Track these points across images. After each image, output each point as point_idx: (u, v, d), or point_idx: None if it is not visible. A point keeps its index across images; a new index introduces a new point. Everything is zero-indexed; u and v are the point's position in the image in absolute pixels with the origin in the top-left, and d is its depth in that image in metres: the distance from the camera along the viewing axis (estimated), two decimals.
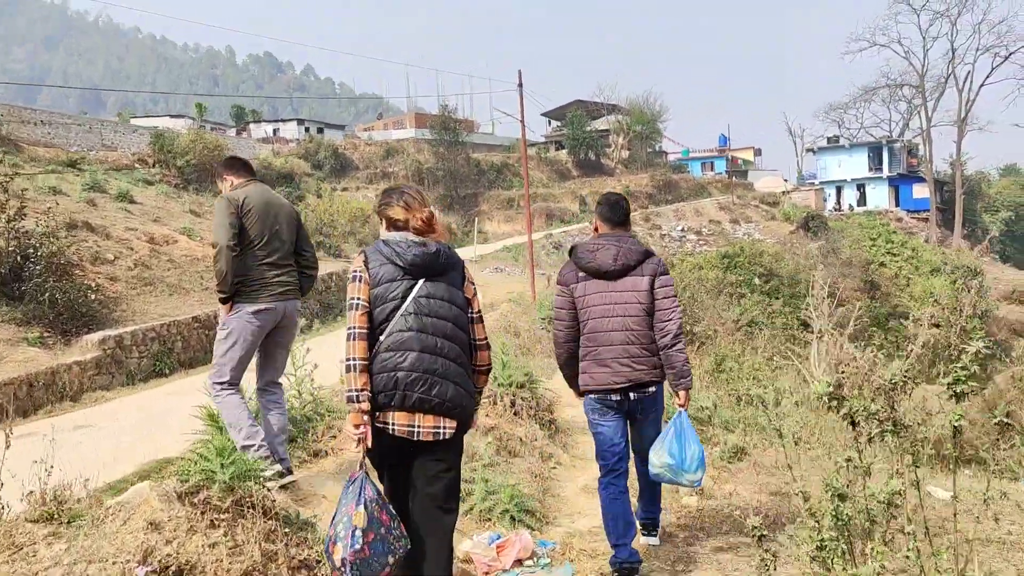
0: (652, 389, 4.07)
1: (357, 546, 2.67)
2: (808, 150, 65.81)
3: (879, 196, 57.95)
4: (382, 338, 2.94)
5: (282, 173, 38.62)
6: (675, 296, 4.09)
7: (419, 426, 2.89)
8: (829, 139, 63.18)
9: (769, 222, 50.44)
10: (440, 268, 3.06)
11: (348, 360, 2.87)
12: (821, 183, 60.65)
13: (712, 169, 67.66)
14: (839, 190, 60.00)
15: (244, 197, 4.41)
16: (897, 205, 56.95)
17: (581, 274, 4.11)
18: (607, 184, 53.18)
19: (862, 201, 57.98)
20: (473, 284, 3.27)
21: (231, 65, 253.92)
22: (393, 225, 3.18)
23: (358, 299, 2.96)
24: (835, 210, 56.50)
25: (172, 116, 54.57)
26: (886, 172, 58.34)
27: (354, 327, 2.91)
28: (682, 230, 47.65)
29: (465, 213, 45.87)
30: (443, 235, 3.20)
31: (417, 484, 2.98)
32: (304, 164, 44.79)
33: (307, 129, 57.39)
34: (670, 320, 3.97)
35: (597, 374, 4.02)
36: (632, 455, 4.25)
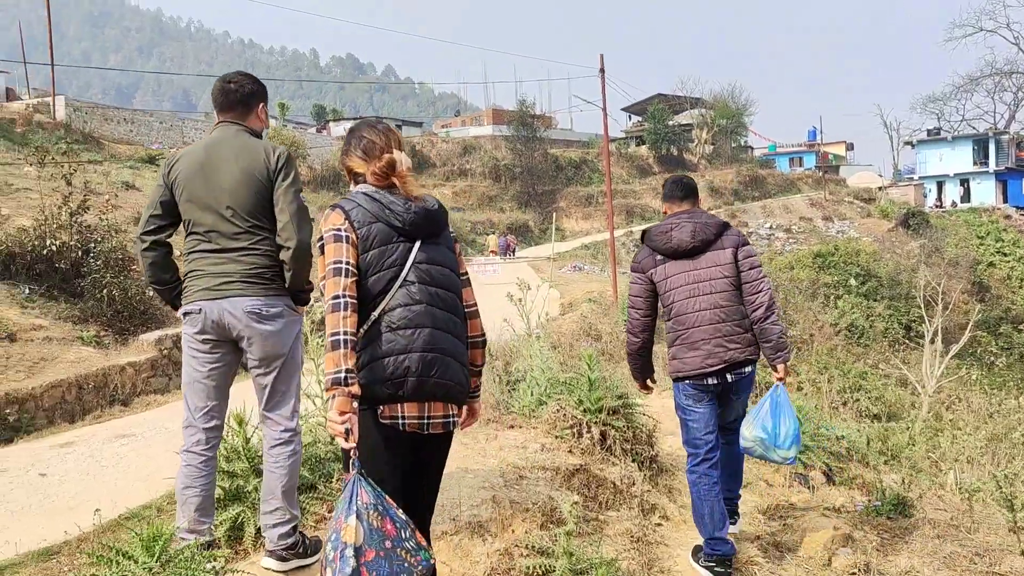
0: (748, 369, 3.86)
1: (348, 570, 2.07)
2: (906, 143, 62.15)
3: (985, 192, 54.07)
4: (376, 313, 2.44)
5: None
6: (761, 266, 3.88)
7: (429, 417, 2.46)
8: (929, 131, 59.42)
9: (865, 219, 47.91)
10: (439, 227, 2.60)
11: (335, 335, 2.31)
12: (920, 178, 57.15)
13: (801, 164, 65.04)
14: (940, 185, 56.35)
15: (176, 160, 3.27)
16: (1005, 201, 53.00)
17: (659, 257, 3.88)
18: None
19: (966, 197, 54.23)
20: (457, 242, 2.79)
21: (314, 67, 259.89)
22: (354, 179, 2.65)
23: (347, 263, 2.40)
24: (936, 206, 53.08)
25: None
26: (992, 166, 54.38)
27: (343, 295, 2.36)
28: (770, 228, 45.63)
29: (542, 210, 44.86)
30: (413, 187, 2.59)
31: (421, 480, 2.62)
32: None
33: None
34: (760, 291, 3.79)
35: (689, 358, 3.78)
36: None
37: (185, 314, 3.19)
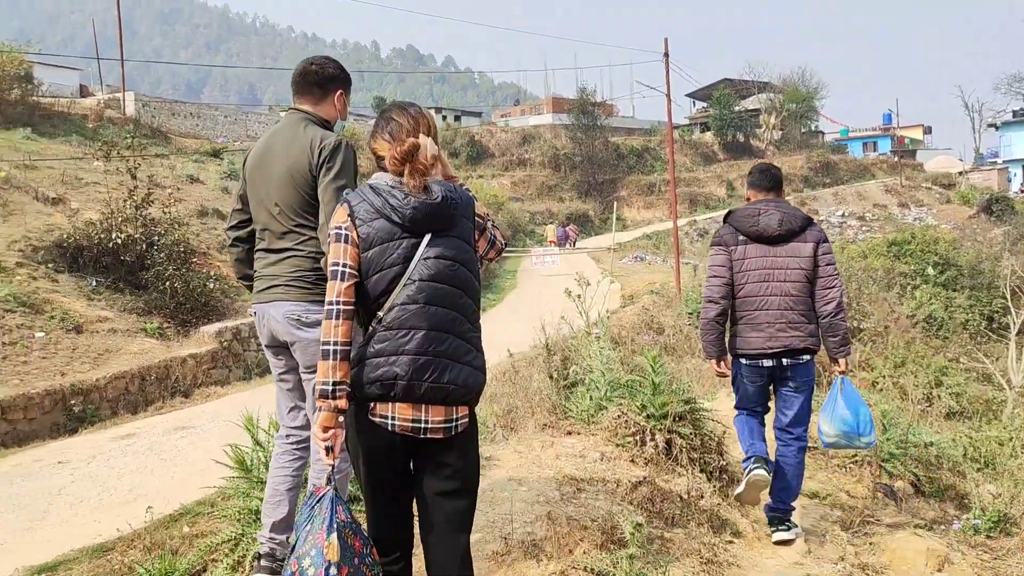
0: (806, 358, 3.96)
1: None
2: (990, 125, 59.32)
3: None
4: (381, 314, 2.32)
5: None
6: (836, 264, 4.03)
7: (428, 421, 2.29)
8: (1015, 112, 56.51)
9: (944, 206, 46.00)
10: (448, 220, 2.37)
11: (325, 344, 2.28)
12: (1005, 162, 54.52)
13: (875, 149, 62.86)
14: None
15: (249, 151, 3.15)
16: None
17: (740, 237, 4.04)
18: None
19: None
20: (486, 219, 2.59)
21: (375, 59, 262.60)
22: (379, 163, 2.47)
23: (344, 265, 2.30)
24: (1021, 191, 50.51)
25: None
26: None
27: (335, 302, 2.29)
28: (842, 215, 44.19)
29: (603, 199, 44.24)
30: (440, 170, 2.43)
31: (428, 499, 2.37)
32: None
33: (444, 117, 57.57)
34: (833, 287, 3.96)
35: (751, 338, 3.94)
36: (770, 431, 4.09)
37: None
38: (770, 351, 3.89)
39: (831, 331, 3.94)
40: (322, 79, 3.03)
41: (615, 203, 39.84)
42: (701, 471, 4.06)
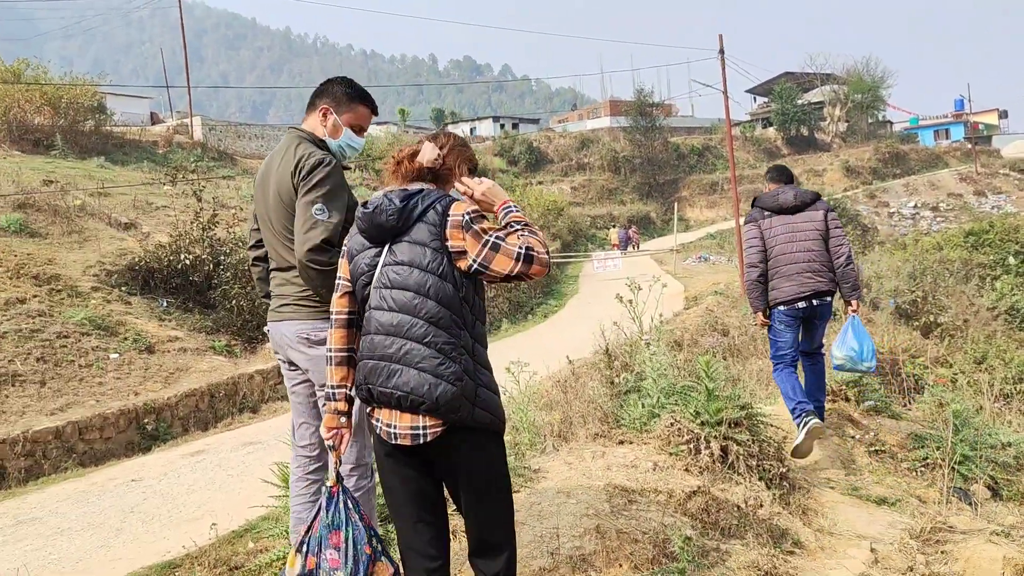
0: (828, 299, 5.03)
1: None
2: None
3: None
4: (366, 318, 2.49)
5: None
6: (843, 228, 5.14)
7: (396, 426, 2.33)
8: None
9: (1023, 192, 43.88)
10: (395, 226, 2.40)
11: (328, 350, 2.53)
12: None
13: (947, 137, 60.60)
14: None
15: (258, 171, 3.17)
16: None
17: (766, 213, 5.14)
18: (822, 161, 49.03)
19: None
20: (467, 218, 2.37)
21: (433, 72, 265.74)
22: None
23: (341, 278, 2.54)
24: None
25: (377, 124, 56.92)
26: None
27: (334, 311, 2.53)
28: (914, 206, 42.74)
29: (664, 200, 43.77)
30: (456, 182, 2.54)
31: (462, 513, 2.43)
32: (499, 161, 44.71)
33: (502, 126, 57.77)
34: (842, 244, 5.07)
35: (786, 287, 4.97)
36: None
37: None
38: (803, 295, 4.92)
39: (844, 278, 5.01)
40: (315, 93, 3.02)
41: (676, 204, 39.37)
42: (759, 479, 3.92)
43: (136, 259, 13.16)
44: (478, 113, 75.03)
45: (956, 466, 4.69)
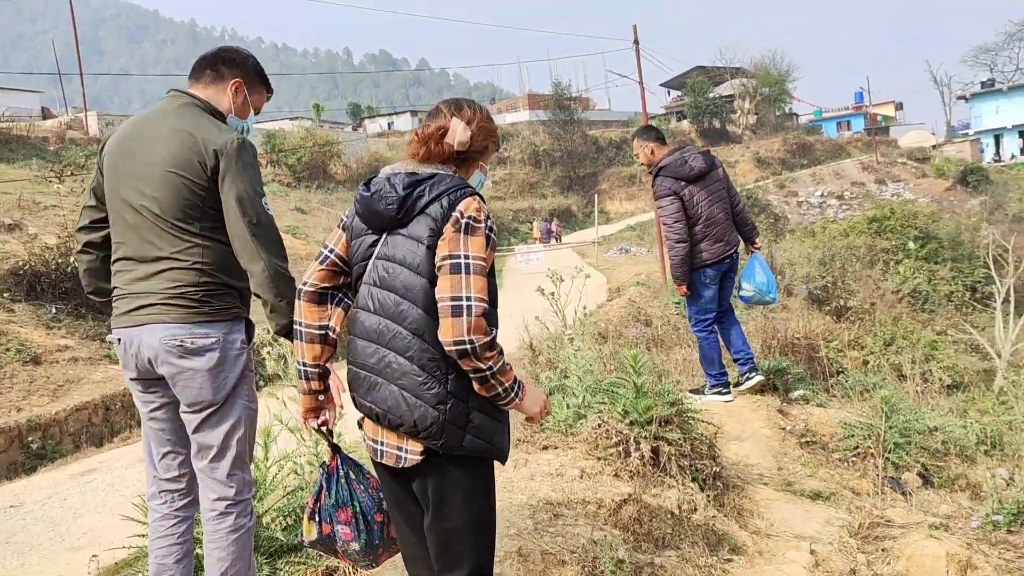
0: (739, 249, 5.41)
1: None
2: (959, 98, 59.45)
3: None
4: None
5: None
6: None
7: (383, 442, 2.06)
8: (983, 84, 56.64)
9: (920, 180, 46.11)
10: (394, 217, 2.05)
11: (295, 325, 2.18)
12: (976, 133, 54.68)
13: (849, 128, 63.08)
14: (998, 139, 53.84)
15: (109, 136, 2.55)
16: None
17: (682, 183, 5.15)
18: (734, 152, 50.09)
19: None
20: (464, 218, 2.01)
21: (348, 65, 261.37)
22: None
23: (327, 248, 2.18)
24: (994, 161, 50.76)
25: (291, 119, 55.27)
26: None
27: (304, 282, 2.17)
28: (821, 195, 44.19)
29: (585, 193, 43.98)
30: (440, 148, 2.11)
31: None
32: None
33: (420, 120, 56.79)
34: (737, 194, 5.49)
35: (715, 248, 5.20)
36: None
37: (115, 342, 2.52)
38: (728, 253, 5.21)
39: (744, 222, 5.45)
40: (218, 60, 2.53)
41: (597, 196, 39.55)
42: (692, 479, 3.66)
43: (20, 263, 12.14)
44: (396, 107, 73.91)
45: (887, 455, 4.56)
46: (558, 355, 4.76)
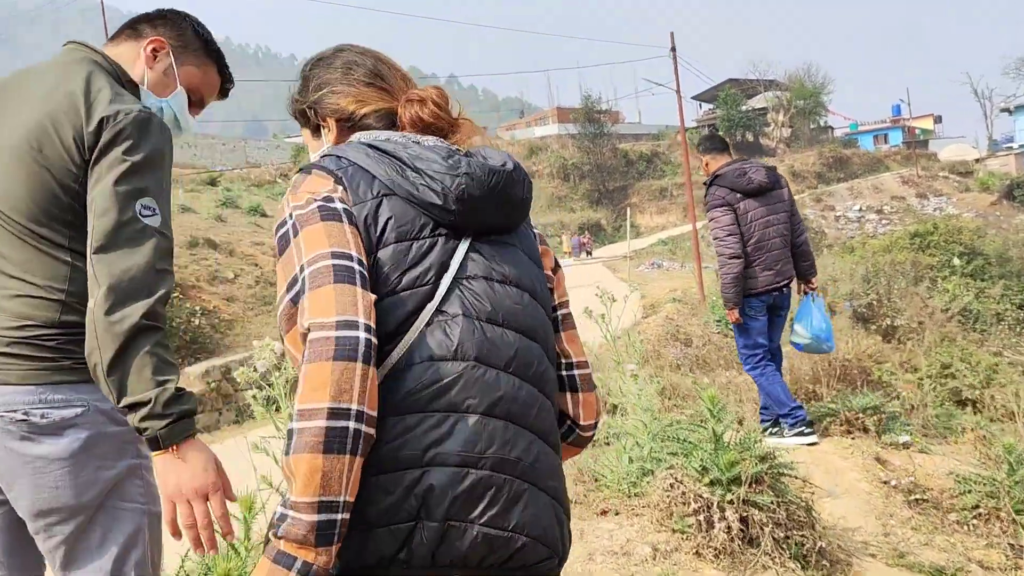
0: (791, 284, 4.85)
1: None
2: (1003, 110, 57.87)
3: None
4: (392, 373, 1.18)
5: None
6: None
7: None
8: None
9: (963, 194, 44.85)
10: (516, 213, 1.34)
11: (311, 421, 1.05)
12: (1021, 146, 53.03)
13: (886, 142, 61.95)
14: None
15: None
16: None
17: (738, 195, 4.64)
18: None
19: None
20: (545, 243, 1.49)
21: None
22: (348, 120, 1.40)
23: (354, 259, 1.16)
24: None
25: None
26: None
27: (360, 323, 1.10)
28: (860, 209, 43.06)
29: (614, 207, 43.39)
30: (474, 132, 1.40)
31: None
32: None
33: None
34: (800, 222, 4.90)
35: (764, 276, 4.64)
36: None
37: None
38: (778, 284, 4.64)
39: (804, 256, 4.84)
40: (142, 18, 1.79)
41: (628, 210, 38.82)
42: (791, 557, 2.89)
43: None
44: None
45: (1016, 517, 3.74)
46: (609, 389, 4.02)
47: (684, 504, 2.85)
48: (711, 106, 60.04)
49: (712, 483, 2.97)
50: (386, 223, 1.22)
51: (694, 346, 12.51)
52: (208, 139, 33.74)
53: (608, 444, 3.46)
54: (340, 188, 1.24)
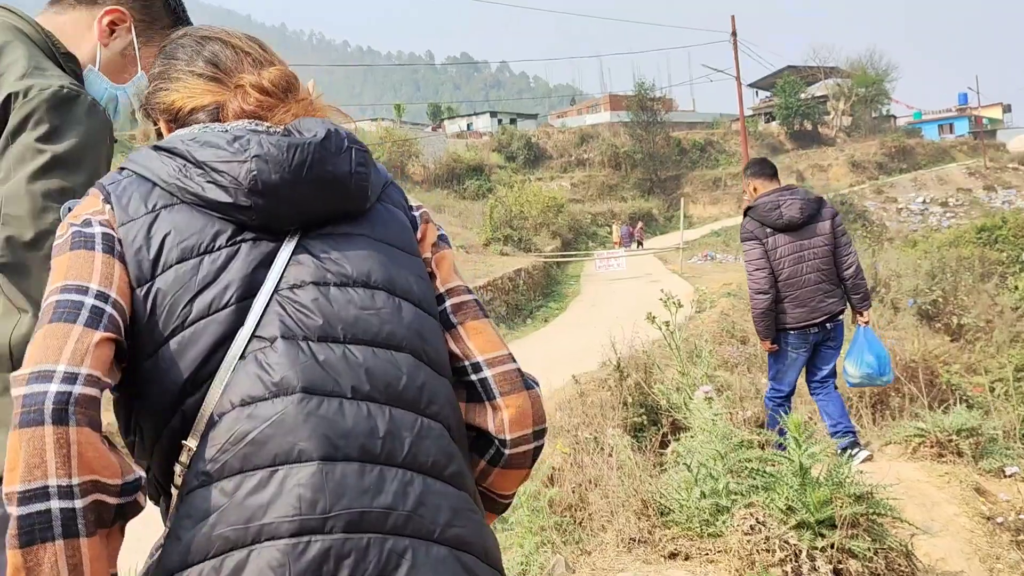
0: (841, 318, 4.64)
1: None
2: None
3: None
4: (192, 443, 0.93)
5: (471, 166, 37.15)
6: (847, 232, 4.78)
7: None
8: None
9: None
10: (342, 192, 1.04)
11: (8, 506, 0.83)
12: None
13: (951, 132, 59.79)
14: None
15: None
16: None
17: (768, 230, 4.53)
18: (827, 155, 47.90)
19: None
20: (437, 226, 1.20)
21: (431, 68, 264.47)
22: (175, 119, 1.11)
23: (100, 296, 0.92)
24: None
25: (372, 120, 55.51)
26: None
27: (71, 375, 0.86)
28: (923, 202, 41.66)
29: (666, 197, 42.66)
30: (322, 111, 1.13)
31: None
32: (497, 156, 43.53)
33: (500, 121, 56.57)
34: (851, 254, 4.64)
35: (797, 313, 4.50)
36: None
37: None
38: (815, 321, 4.48)
39: (855, 290, 4.63)
40: None
41: (682, 200, 38.10)
42: None
43: None
44: (475, 109, 73.71)
45: None
46: (676, 408, 3.64)
47: (768, 551, 2.48)
48: (768, 94, 58.68)
49: (800, 526, 2.59)
50: (163, 241, 0.97)
51: (751, 344, 12.00)
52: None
53: (665, 469, 3.11)
54: (108, 207, 1.00)
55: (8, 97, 1.20)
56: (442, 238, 1.18)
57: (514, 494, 1.20)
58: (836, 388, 4.69)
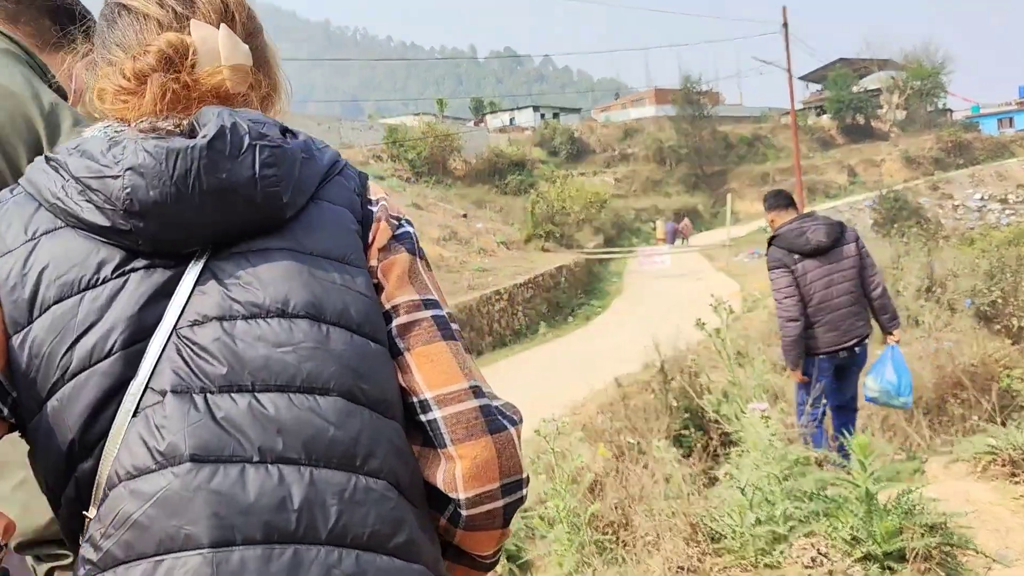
0: (867, 340, 4.70)
1: None
2: None
3: None
4: (92, 514, 0.77)
5: (514, 161, 36.97)
6: (870, 253, 4.83)
7: None
8: None
9: None
10: (244, 202, 0.81)
11: None
12: None
13: (1011, 126, 57.87)
14: None
15: None
16: None
17: (795, 256, 4.59)
18: (880, 150, 46.70)
19: None
20: (398, 220, 0.93)
21: (473, 63, 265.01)
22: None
23: None
24: None
25: (414, 114, 55.75)
26: None
27: None
28: (981, 199, 40.41)
29: (712, 192, 42.01)
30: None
31: None
32: (540, 151, 43.24)
33: (542, 116, 56.24)
34: (876, 274, 4.72)
35: (828, 337, 4.54)
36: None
37: None
38: (846, 344, 4.54)
39: (883, 310, 4.70)
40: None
41: (728, 196, 37.40)
42: None
43: None
44: (518, 103, 73.49)
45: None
46: (728, 421, 3.42)
47: None
48: (819, 87, 57.45)
49: (866, 558, 2.36)
50: (39, 276, 0.80)
51: None
52: (305, 118, 34.30)
53: (714, 479, 2.90)
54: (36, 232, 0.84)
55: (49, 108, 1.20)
56: (399, 238, 0.94)
57: (498, 551, 0.97)
58: (855, 418, 4.80)
